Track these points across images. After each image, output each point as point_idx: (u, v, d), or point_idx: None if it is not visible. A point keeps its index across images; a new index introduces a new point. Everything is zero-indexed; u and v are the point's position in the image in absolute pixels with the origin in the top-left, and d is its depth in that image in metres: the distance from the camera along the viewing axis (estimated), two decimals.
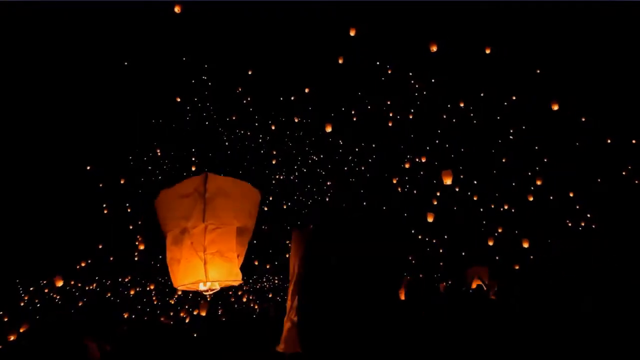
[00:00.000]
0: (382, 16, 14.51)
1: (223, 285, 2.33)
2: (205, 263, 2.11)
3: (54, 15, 13.92)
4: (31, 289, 20.42)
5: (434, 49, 10.10)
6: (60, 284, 12.66)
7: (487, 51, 11.81)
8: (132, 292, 17.86)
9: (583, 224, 15.59)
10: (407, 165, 15.02)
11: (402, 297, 4.93)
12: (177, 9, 8.83)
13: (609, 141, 15.14)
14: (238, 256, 2.31)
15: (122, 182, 16.97)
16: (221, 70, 17.48)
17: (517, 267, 12.39)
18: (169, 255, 2.26)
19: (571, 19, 14.19)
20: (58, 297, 19.28)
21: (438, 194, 15.03)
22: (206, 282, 2.19)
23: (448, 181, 10.51)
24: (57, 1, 13.11)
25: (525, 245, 12.81)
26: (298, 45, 16.42)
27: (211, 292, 2.35)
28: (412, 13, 14.20)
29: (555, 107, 10.94)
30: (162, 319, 10.61)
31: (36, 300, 19.15)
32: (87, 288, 21.59)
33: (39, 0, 13.04)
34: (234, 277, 2.28)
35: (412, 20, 14.39)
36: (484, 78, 16.09)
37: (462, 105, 15.49)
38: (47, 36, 14.97)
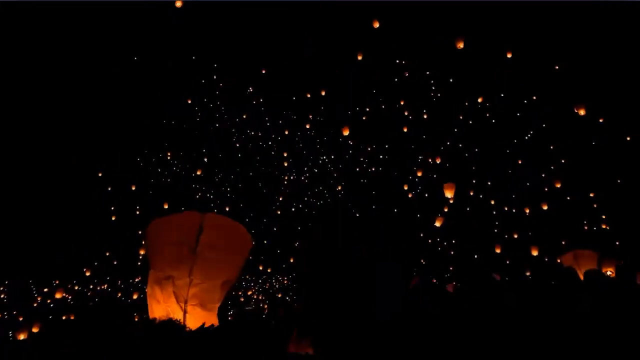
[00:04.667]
0: (397, 16, 14.39)
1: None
2: (185, 313, 2.26)
3: (58, 15, 14.02)
4: (45, 290, 20.62)
5: (461, 45, 9.89)
6: (59, 296, 12.84)
7: (509, 55, 11.57)
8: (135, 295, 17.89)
9: (600, 226, 15.26)
10: (419, 174, 14.77)
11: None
12: (178, 4, 8.87)
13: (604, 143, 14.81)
14: (218, 300, 2.47)
15: (133, 187, 17.10)
16: (232, 70, 17.50)
17: (528, 273, 12.12)
18: (149, 291, 2.34)
19: (589, 20, 13.92)
20: (70, 297, 19.41)
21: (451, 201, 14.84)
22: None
23: (449, 194, 10.37)
24: (59, 1, 13.20)
25: (535, 253, 12.56)
26: (311, 45, 16.36)
27: None
28: (428, 13, 14.05)
29: (582, 112, 10.55)
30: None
31: (49, 301, 19.30)
32: (98, 288, 21.76)
33: (40, 0, 13.15)
34: (211, 322, 2.38)
35: (428, 20, 14.24)
36: (497, 79, 15.85)
37: (480, 102, 15.23)
38: (51, 37, 15.09)
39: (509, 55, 11.56)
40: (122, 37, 15.45)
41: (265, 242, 18.86)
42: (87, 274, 16.51)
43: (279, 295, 20.84)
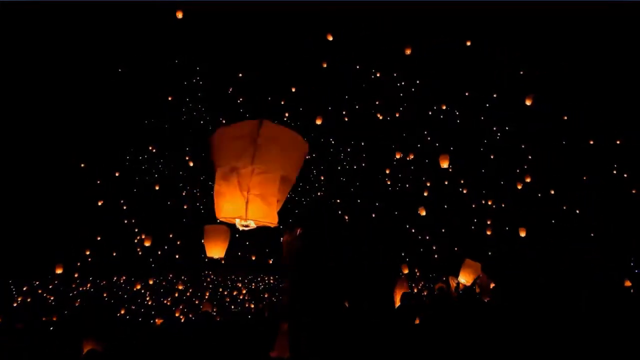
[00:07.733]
0: (369, 18, 14.64)
1: (258, 224, 2.47)
2: (247, 202, 2.31)
3: (52, 15, 13.91)
4: (24, 288, 20.34)
5: (408, 52, 10.33)
6: (60, 271, 12.54)
7: (468, 43, 11.97)
8: (136, 287, 17.88)
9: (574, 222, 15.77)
10: (397, 155, 15.04)
11: (397, 302, 4.98)
12: (179, 15, 8.96)
13: (591, 142, 15.35)
14: (278, 201, 2.48)
15: (116, 175, 16.98)
16: (213, 71, 17.56)
17: (510, 261, 12.47)
18: (216, 188, 2.44)
19: (556, 19, 14.30)
20: (52, 298, 19.24)
21: (428, 183, 15.23)
22: (245, 219, 2.36)
23: (445, 164, 10.74)
24: (55, 2, 13.11)
25: (522, 234, 12.78)
26: (287, 48, 16.53)
27: (247, 229, 2.51)
28: (400, 14, 14.30)
29: (529, 102, 10.99)
30: (157, 320, 10.65)
31: (29, 299, 19.09)
32: (81, 289, 21.56)
33: (38, 1, 13.04)
34: (271, 219, 2.43)
35: (400, 21, 14.49)
36: (473, 77, 16.23)
37: (444, 107, 15.70)
38: (45, 37, 14.95)
39: (468, 44, 11.91)
40: (121, 38, 15.42)
41: (247, 243, 19.04)
42: (87, 258, 16.28)
43: (265, 295, 21.02)
